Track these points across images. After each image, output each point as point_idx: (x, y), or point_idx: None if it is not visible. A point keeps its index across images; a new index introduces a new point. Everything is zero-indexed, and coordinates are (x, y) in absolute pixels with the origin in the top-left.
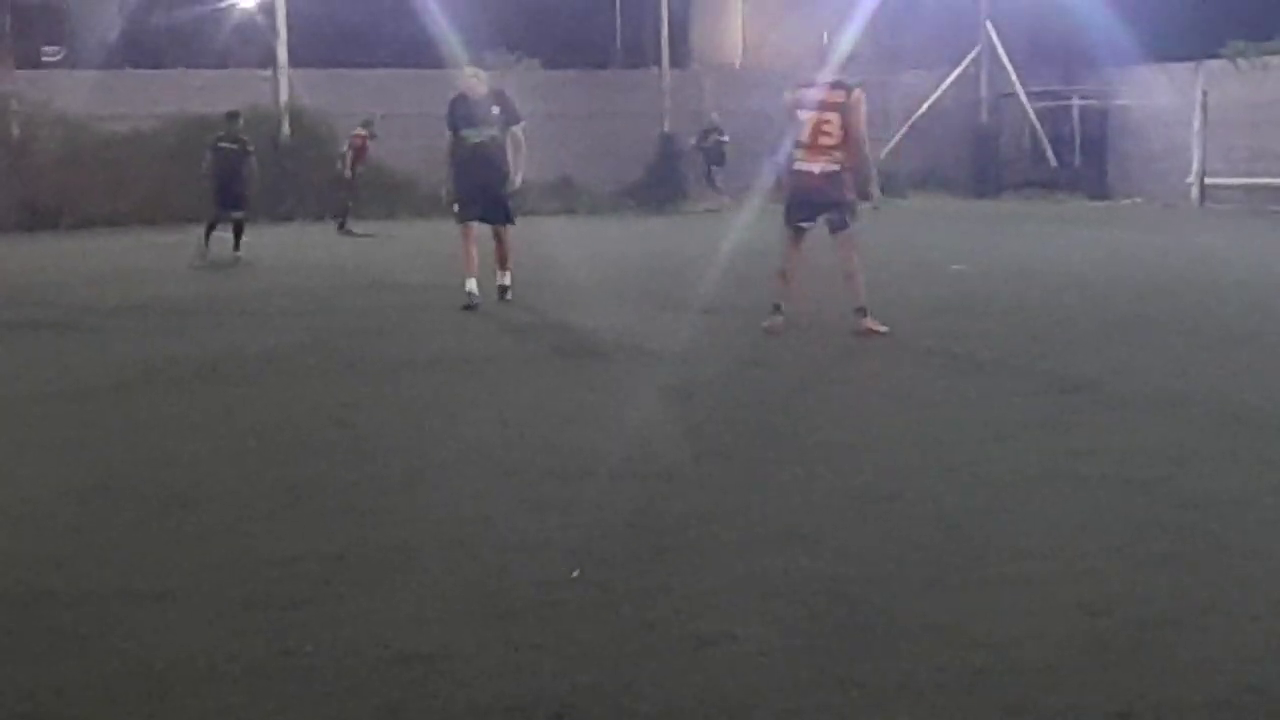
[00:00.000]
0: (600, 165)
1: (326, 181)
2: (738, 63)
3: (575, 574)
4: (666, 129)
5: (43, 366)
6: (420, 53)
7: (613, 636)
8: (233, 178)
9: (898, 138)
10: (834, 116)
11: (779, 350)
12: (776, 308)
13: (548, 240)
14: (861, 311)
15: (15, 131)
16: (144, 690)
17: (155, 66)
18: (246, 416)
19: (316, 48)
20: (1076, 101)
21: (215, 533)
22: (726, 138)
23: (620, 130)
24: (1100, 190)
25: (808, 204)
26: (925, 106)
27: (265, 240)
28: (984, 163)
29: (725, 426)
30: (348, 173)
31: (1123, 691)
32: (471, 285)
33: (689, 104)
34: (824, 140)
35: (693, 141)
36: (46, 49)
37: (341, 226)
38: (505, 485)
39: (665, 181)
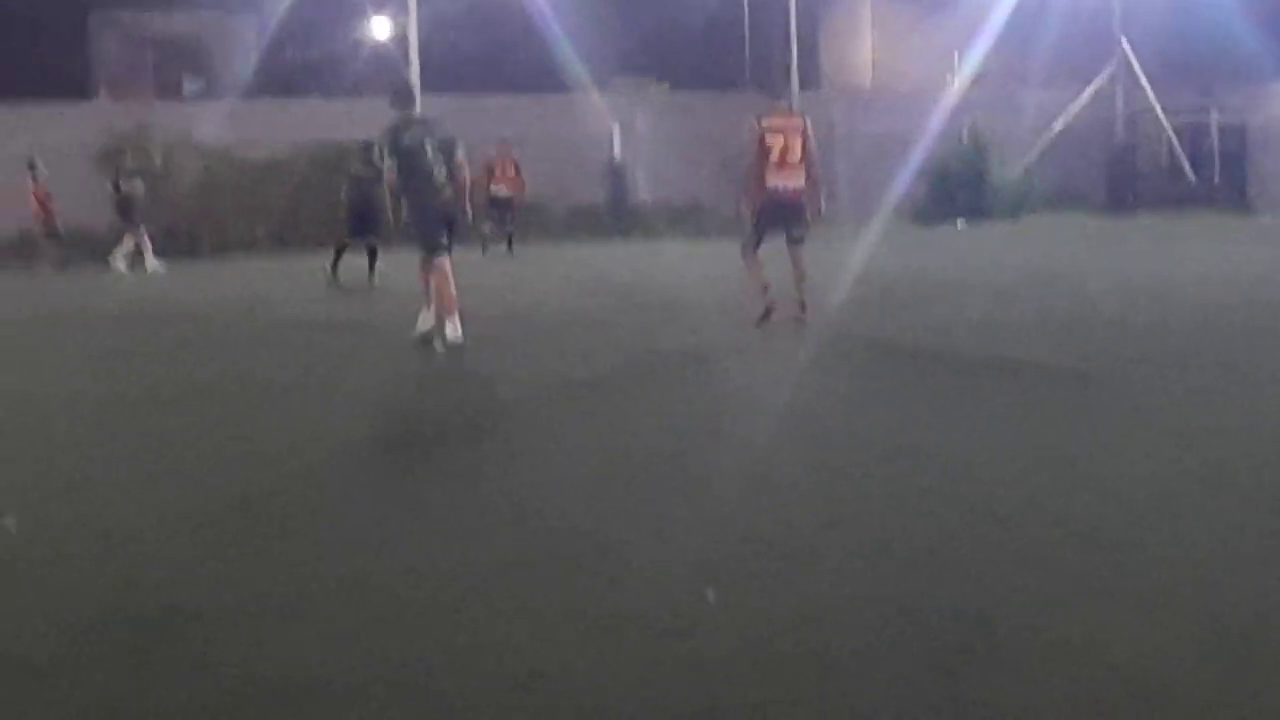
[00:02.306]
0: (730, 188)
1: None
2: (867, 84)
3: (710, 598)
4: None
5: (174, 385)
6: (549, 78)
7: (742, 655)
8: (368, 205)
9: (1032, 155)
10: (797, 139)
11: (894, 369)
12: (767, 302)
13: (674, 265)
14: (803, 306)
15: (157, 161)
16: (268, 709)
17: (291, 96)
18: (365, 433)
19: (447, 75)
20: (1215, 117)
21: (336, 551)
22: None
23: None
24: (1240, 206)
25: (781, 217)
26: (1060, 124)
27: (397, 265)
28: (1120, 179)
29: (840, 440)
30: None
31: (1266, 717)
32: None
33: (819, 126)
34: (791, 159)
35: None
36: (187, 81)
37: (486, 249)
38: (626, 502)
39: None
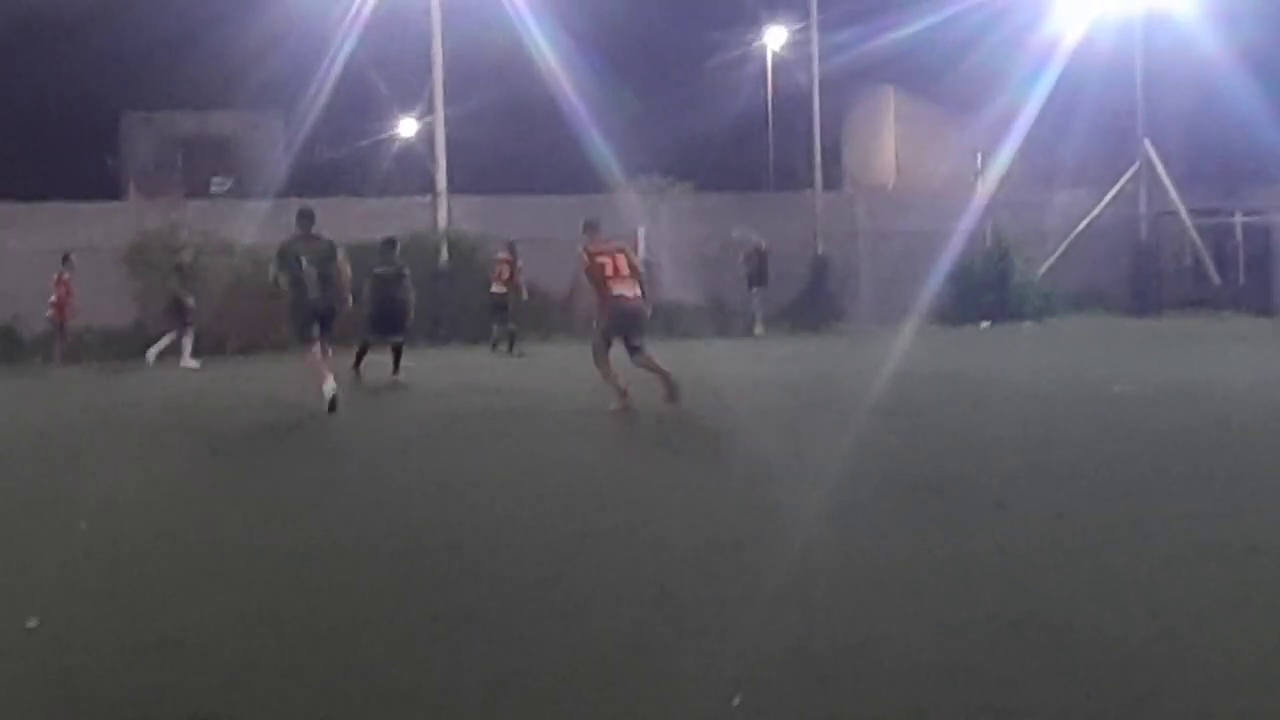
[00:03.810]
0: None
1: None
2: (890, 184)
3: (736, 702)
4: (820, 251)
5: (200, 490)
6: (576, 178)
7: None
8: (390, 303)
9: (1055, 256)
10: (622, 258)
11: (946, 473)
12: (623, 393)
13: (702, 363)
14: (672, 389)
15: (186, 259)
16: None
17: (320, 195)
18: (399, 545)
19: (473, 174)
20: (1239, 218)
21: (376, 661)
22: (765, 250)
23: (774, 252)
24: (1265, 307)
25: (626, 322)
26: (1084, 225)
27: (423, 364)
28: (1144, 281)
29: (880, 552)
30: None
31: None
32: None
33: (842, 226)
34: (624, 273)
35: (740, 260)
36: (215, 180)
37: (495, 347)
38: (662, 611)
39: (818, 302)
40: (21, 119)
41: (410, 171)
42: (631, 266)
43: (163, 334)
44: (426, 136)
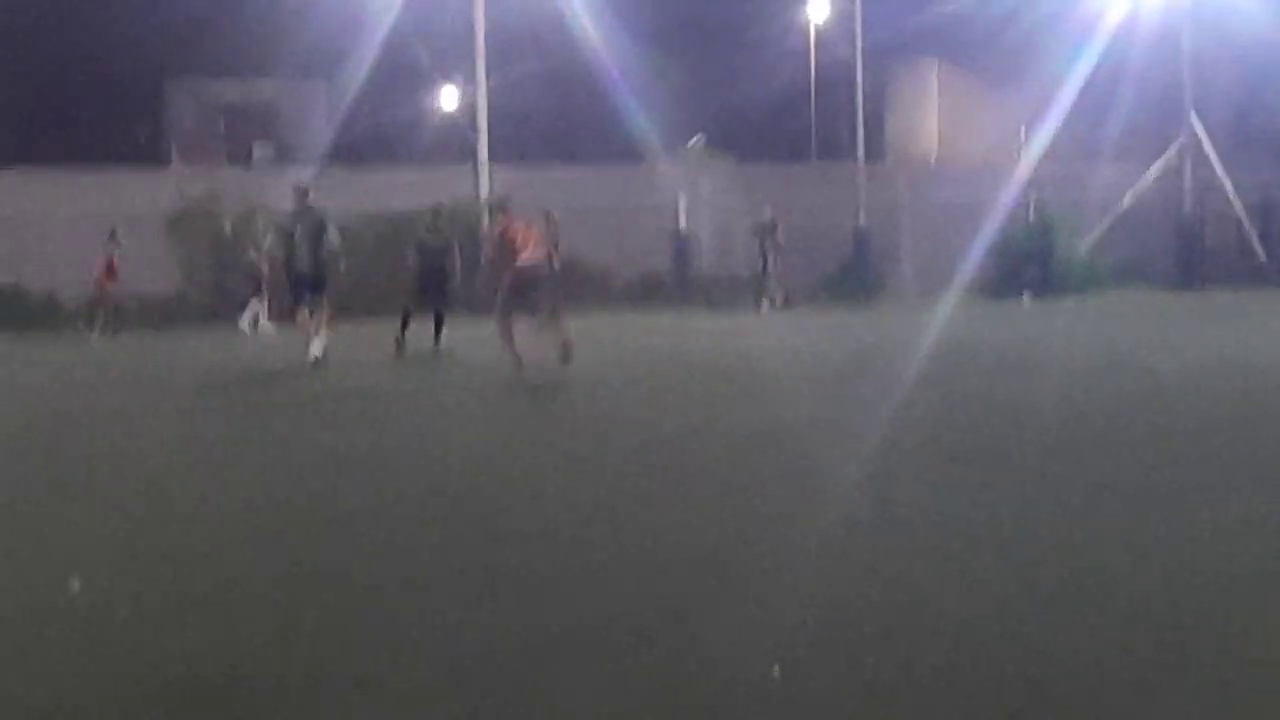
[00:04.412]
0: (795, 258)
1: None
2: (933, 157)
3: (775, 671)
4: (862, 223)
5: (240, 454)
6: (616, 147)
7: None
8: (437, 272)
9: (1100, 230)
10: (531, 231)
11: (984, 443)
12: (519, 361)
13: (740, 334)
14: (566, 348)
15: (226, 226)
16: None
17: (360, 164)
18: (440, 508)
19: (515, 144)
20: None
21: (414, 622)
22: (780, 234)
23: (815, 224)
24: None
25: (528, 285)
26: (1128, 199)
27: (461, 334)
28: (1188, 256)
29: (919, 520)
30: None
31: None
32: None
33: (884, 198)
34: (534, 241)
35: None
36: (258, 148)
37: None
38: (701, 576)
39: (860, 275)
40: (66, 86)
41: (451, 141)
42: (537, 238)
43: (246, 302)
44: (468, 106)
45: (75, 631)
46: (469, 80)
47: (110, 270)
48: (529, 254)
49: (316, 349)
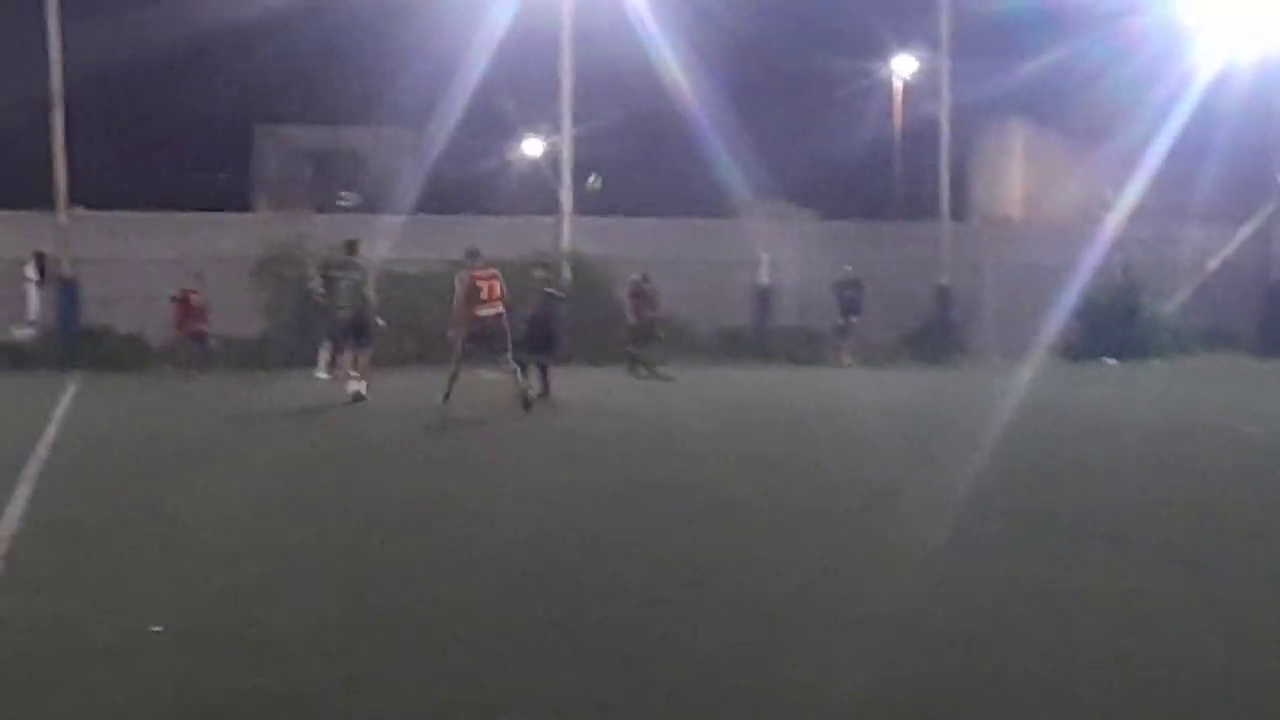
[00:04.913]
0: (876, 315)
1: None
2: (1017, 215)
3: None
4: (944, 282)
5: (319, 498)
6: (700, 201)
7: None
8: (556, 322)
9: (1186, 293)
10: (496, 284)
11: (1062, 505)
12: (446, 395)
13: (824, 390)
14: (525, 397)
15: (310, 272)
16: None
17: (446, 212)
18: (516, 555)
19: (599, 195)
20: None
21: (485, 670)
22: (861, 289)
23: (897, 281)
24: None
25: (486, 336)
26: (1216, 262)
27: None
28: (1274, 320)
29: (994, 581)
30: (632, 318)
31: None
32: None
33: (967, 257)
34: (495, 295)
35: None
36: (343, 195)
37: (632, 369)
38: (772, 634)
39: (941, 334)
40: (158, 131)
41: (535, 191)
42: (500, 292)
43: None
44: (552, 156)
45: (150, 672)
46: (554, 130)
47: (188, 312)
48: (489, 308)
49: (353, 389)
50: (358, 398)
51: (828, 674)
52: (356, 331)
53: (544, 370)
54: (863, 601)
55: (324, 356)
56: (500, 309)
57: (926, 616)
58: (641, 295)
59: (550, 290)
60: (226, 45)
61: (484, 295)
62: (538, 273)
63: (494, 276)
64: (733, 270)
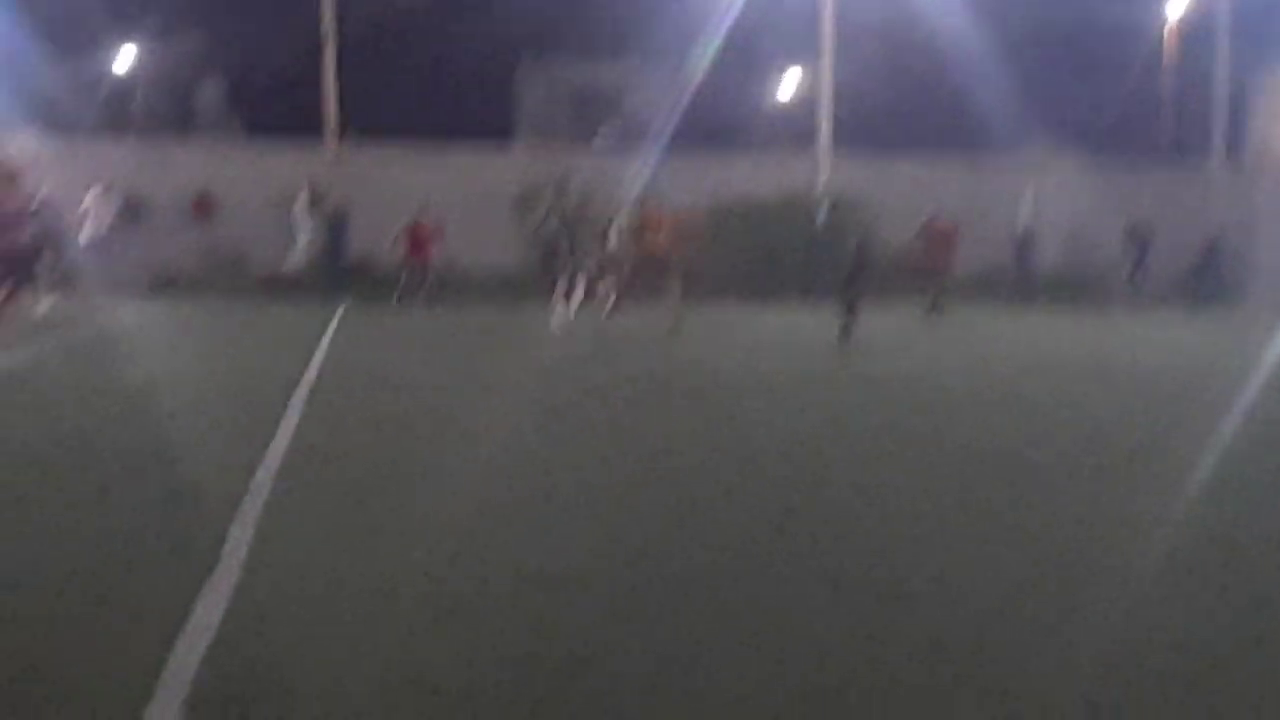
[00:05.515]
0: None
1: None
2: None
3: None
4: (1215, 230)
5: (583, 433)
6: (961, 140)
7: None
8: (871, 263)
9: None
10: (668, 220)
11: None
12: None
13: (1103, 338)
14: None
15: (571, 205)
16: None
17: (702, 149)
18: (777, 494)
19: (858, 133)
20: None
21: (746, 609)
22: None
23: (1163, 227)
24: None
25: (658, 270)
26: None
27: (805, 322)
28: None
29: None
30: (924, 260)
31: None
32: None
33: (1240, 203)
34: (665, 230)
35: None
36: (602, 131)
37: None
38: (1013, 606)
39: (1211, 282)
40: (426, 66)
41: (791, 128)
42: (669, 227)
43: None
44: (809, 93)
45: (417, 603)
46: (812, 67)
47: (420, 241)
48: (660, 241)
49: (559, 318)
50: (560, 330)
51: (1060, 660)
52: (568, 263)
53: (851, 310)
54: (1102, 582)
55: (568, 290)
56: (668, 244)
57: (1184, 615)
58: (935, 236)
59: (861, 232)
60: None
61: (652, 230)
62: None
63: (662, 215)
64: (993, 212)
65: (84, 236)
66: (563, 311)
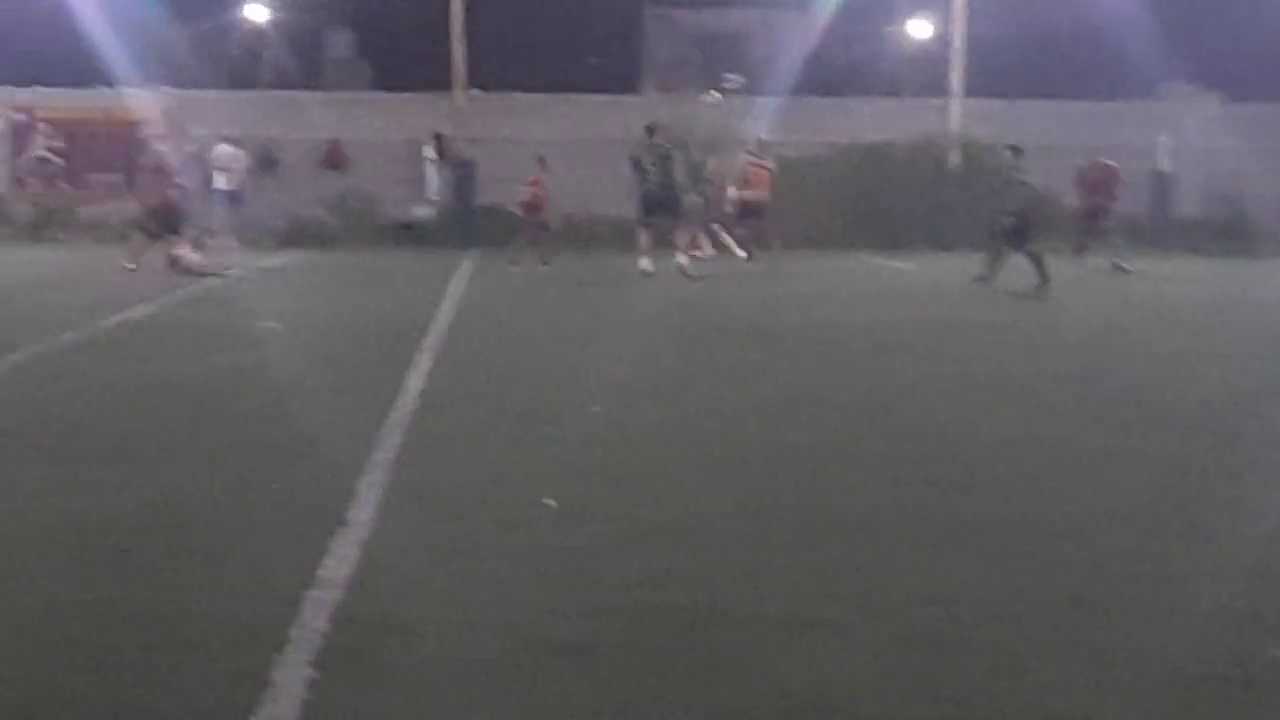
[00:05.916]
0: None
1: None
2: None
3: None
4: None
5: (713, 385)
6: (1096, 83)
7: None
8: (1035, 212)
9: None
10: (765, 171)
11: None
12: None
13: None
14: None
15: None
16: None
17: (830, 94)
18: (906, 445)
19: (989, 77)
20: None
21: (869, 563)
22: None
23: None
24: None
25: (754, 215)
26: None
27: (932, 269)
28: None
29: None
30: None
31: None
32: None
33: None
34: (763, 181)
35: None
36: (728, 77)
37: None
38: (1187, 544)
39: None
40: (552, 14)
41: (921, 73)
42: (767, 178)
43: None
44: (940, 37)
45: (539, 546)
46: (944, 10)
47: (536, 199)
48: (756, 190)
49: (645, 265)
50: (646, 275)
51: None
52: (663, 209)
53: (1032, 257)
54: (1180, 578)
55: (695, 237)
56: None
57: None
58: (1093, 181)
59: (1021, 178)
60: None
61: (752, 180)
62: (1006, 155)
63: (764, 166)
64: (1129, 156)
65: (219, 188)
66: (681, 259)
